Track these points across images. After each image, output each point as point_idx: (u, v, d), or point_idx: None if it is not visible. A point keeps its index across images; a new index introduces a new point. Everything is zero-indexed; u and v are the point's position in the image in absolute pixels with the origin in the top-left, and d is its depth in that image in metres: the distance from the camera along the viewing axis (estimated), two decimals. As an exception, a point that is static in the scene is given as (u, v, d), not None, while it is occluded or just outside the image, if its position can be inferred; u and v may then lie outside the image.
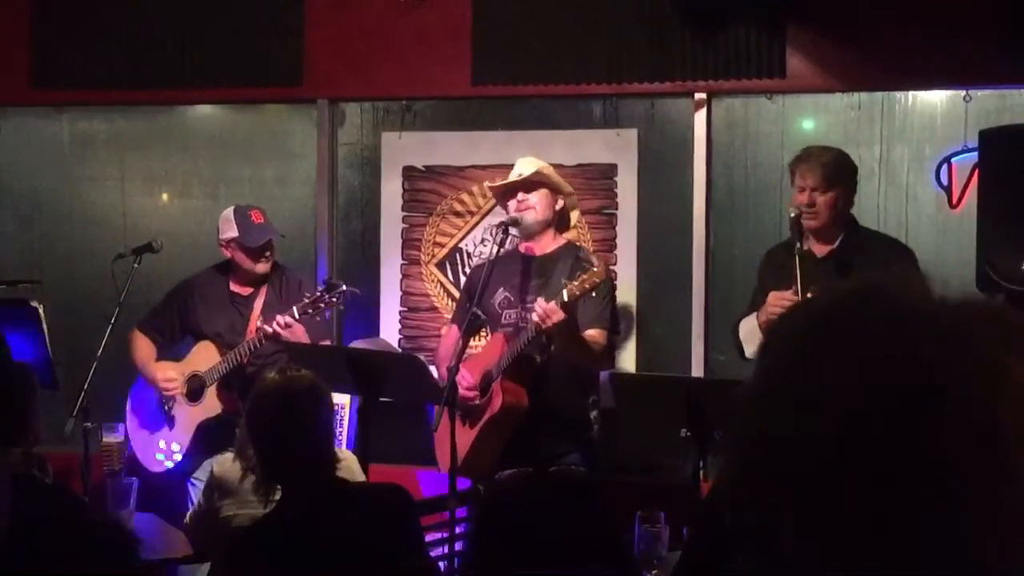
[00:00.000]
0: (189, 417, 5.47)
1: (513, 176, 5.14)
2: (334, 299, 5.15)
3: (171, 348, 5.68)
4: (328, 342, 5.57)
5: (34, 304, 5.43)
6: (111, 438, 5.30)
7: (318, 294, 5.14)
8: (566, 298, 4.53)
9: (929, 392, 0.91)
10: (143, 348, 5.61)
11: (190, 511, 4.52)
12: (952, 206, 5.55)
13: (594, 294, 4.60)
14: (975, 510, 0.90)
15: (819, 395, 0.94)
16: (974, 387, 0.91)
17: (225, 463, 4.08)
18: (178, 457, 5.50)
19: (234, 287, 5.57)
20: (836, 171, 4.75)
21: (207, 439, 5.36)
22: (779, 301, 4.57)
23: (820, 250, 4.79)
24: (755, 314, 4.79)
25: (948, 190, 5.55)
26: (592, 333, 4.89)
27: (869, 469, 0.91)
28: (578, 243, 5.43)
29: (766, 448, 0.96)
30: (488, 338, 5.19)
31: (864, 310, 0.97)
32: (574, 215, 5.27)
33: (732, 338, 4.99)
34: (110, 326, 5.32)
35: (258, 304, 5.50)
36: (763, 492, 0.95)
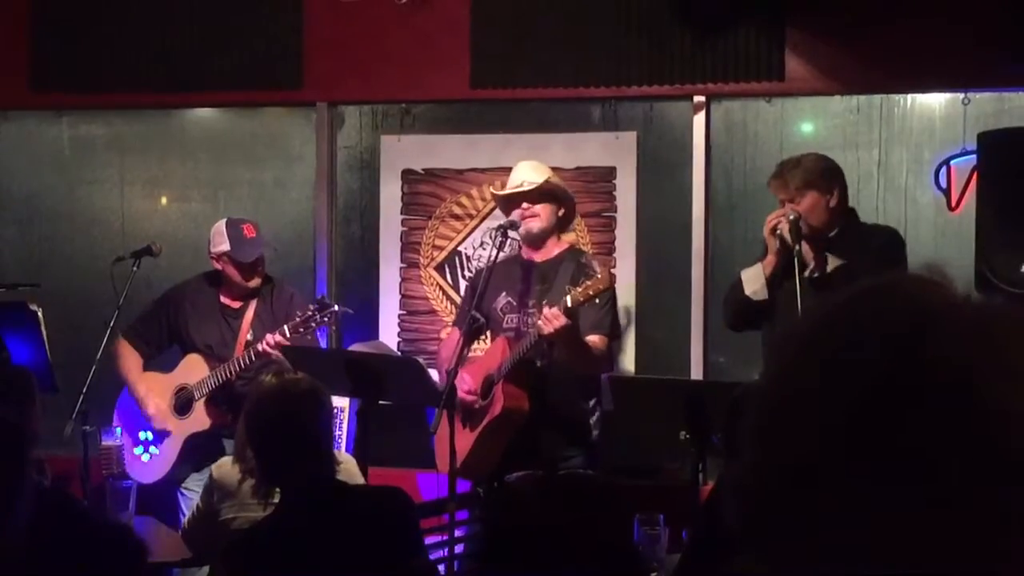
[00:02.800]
0: (177, 430, 5.45)
1: (515, 181, 5.14)
2: (325, 319, 5.14)
3: (157, 357, 5.64)
4: None
5: (33, 307, 5.42)
6: (110, 441, 5.30)
7: (309, 313, 5.11)
8: (570, 304, 4.55)
9: (952, 390, 0.91)
10: (129, 360, 5.55)
11: (187, 516, 4.51)
12: (951, 208, 5.55)
13: (597, 301, 4.62)
14: (993, 510, 0.90)
15: (840, 391, 0.94)
16: (999, 386, 0.91)
17: (224, 466, 4.08)
18: (154, 451, 5.48)
19: (224, 299, 5.53)
20: (807, 177, 4.80)
21: (195, 452, 5.33)
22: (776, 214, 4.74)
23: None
24: (759, 262, 4.85)
25: (947, 193, 5.56)
26: (593, 339, 4.91)
27: (887, 465, 0.91)
28: (579, 247, 5.42)
29: (782, 441, 0.96)
30: (490, 342, 5.20)
31: (887, 307, 0.97)
32: (575, 220, 5.29)
33: (731, 294, 5.00)
34: (109, 329, 5.32)
35: (248, 318, 5.47)
36: (776, 487, 0.95)
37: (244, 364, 5.23)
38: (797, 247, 4.63)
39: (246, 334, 5.39)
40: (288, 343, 5.09)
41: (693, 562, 3.05)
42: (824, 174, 4.86)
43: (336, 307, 5.16)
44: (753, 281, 4.85)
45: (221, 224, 5.48)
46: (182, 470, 5.41)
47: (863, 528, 0.91)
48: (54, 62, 6.43)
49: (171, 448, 5.45)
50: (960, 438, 0.90)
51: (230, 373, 5.27)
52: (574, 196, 5.29)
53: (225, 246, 5.41)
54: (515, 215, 5.12)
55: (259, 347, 5.14)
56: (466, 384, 4.89)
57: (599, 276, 4.63)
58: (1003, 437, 0.90)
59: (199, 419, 5.38)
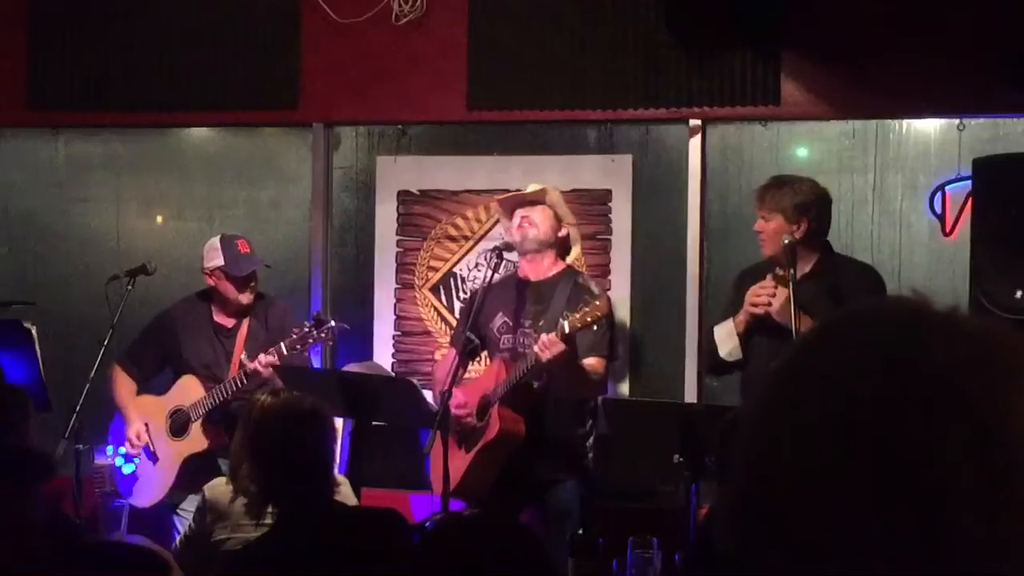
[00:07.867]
0: (174, 452, 5.41)
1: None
2: (323, 335, 5.10)
3: (151, 381, 5.62)
4: None
5: (27, 325, 5.42)
6: (103, 460, 5.28)
7: (306, 330, 5.09)
8: (567, 330, 4.55)
9: (952, 398, 0.92)
10: (123, 387, 5.52)
11: (179, 536, 4.50)
12: (945, 234, 5.56)
13: (595, 328, 4.62)
14: (993, 515, 0.91)
15: (838, 401, 0.94)
16: (997, 394, 0.92)
17: (218, 486, 4.07)
18: (133, 465, 5.46)
19: (217, 318, 5.50)
20: (780, 203, 4.80)
21: (193, 474, 5.28)
22: (760, 292, 4.72)
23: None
24: (731, 318, 4.84)
25: (941, 218, 5.57)
26: (591, 362, 4.90)
27: (886, 475, 0.91)
28: (577, 267, 5.43)
29: (779, 453, 0.96)
30: (486, 362, 5.19)
31: (884, 319, 0.99)
32: (575, 249, 5.28)
33: (707, 346, 5.04)
34: (103, 348, 5.31)
35: (241, 336, 5.44)
36: (774, 496, 0.95)
37: (239, 385, 5.20)
38: (792, 271, 4.64)
39: (240, 353, 5.36)
40: (279, 365, 5.06)
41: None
42: (798, 207, 4.83)
43: (333, 323, 5.13)
44: (726, 341, 4.85)
45: (215, 240, 5.48)
46: (179, 494, 5.36)
47: (862, 533, 0.92)
48: (51, 80, 6.44)
49: (168, 470, 5.40)
50: (960, 446, 0.91)
51: (226, 393, 5.24)
52: (576, 224, 5.28)
53: (219, 260, 5.40)
54: (514, 222, 5.12)
55: (250, 367, 5.11)
56: (458, 399, 4.87)
57: (597, 303, 4.61)
58: (1003, 444, 0.91)
59: (196, 440, 5.35)
